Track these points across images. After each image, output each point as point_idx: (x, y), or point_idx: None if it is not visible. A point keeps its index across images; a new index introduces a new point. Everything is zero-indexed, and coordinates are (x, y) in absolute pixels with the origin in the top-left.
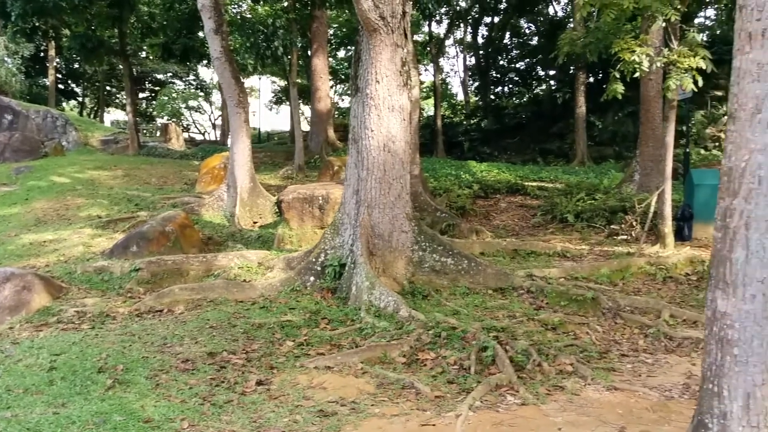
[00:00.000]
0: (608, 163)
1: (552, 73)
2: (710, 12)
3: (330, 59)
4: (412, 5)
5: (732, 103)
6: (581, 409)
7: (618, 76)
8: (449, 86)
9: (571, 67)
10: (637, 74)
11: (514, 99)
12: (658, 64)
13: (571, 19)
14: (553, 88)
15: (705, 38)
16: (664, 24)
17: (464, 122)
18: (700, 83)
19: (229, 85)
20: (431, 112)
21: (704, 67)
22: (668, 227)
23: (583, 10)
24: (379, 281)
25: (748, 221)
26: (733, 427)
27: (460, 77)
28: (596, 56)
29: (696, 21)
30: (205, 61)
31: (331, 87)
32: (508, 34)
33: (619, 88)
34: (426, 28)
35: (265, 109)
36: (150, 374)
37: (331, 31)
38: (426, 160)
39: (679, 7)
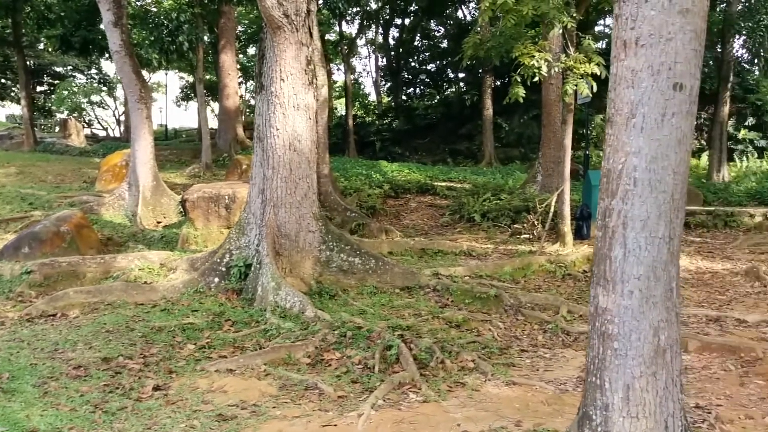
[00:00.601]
0: (514, 165)
1: (462, 75)
2: (609, 20)
3: (240, 56)
4: (320, 4)
5: (609, 108)
6: (480, 405)
7: (519, 80)
8: (362, 86)
9: (480, 71)
10: (536, 78)
11: (425, 100)
12: (557, 69)
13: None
14: (463, 90)
15: (603, 46)
16: (561, 31)
17: (376, 122)
18: (595, 88)
19: (130, 80)
20: (344, 112)
21: (598, 73)
22: (567, 226)
23: (485, 14)
24: (285, 281)
25: (625, 221)
26: (614, 417)
27: (373, 78)
28: (499, 60)
29: (596, 29)
30: (107, 55)
31: (241, 84)
32: (418, 36)
33: (521, 91)
34: (337, 28)
35: (174, 105)
36: (38, 382)
37: (241, 28)
38: (337, 159)
39: (575, 15)
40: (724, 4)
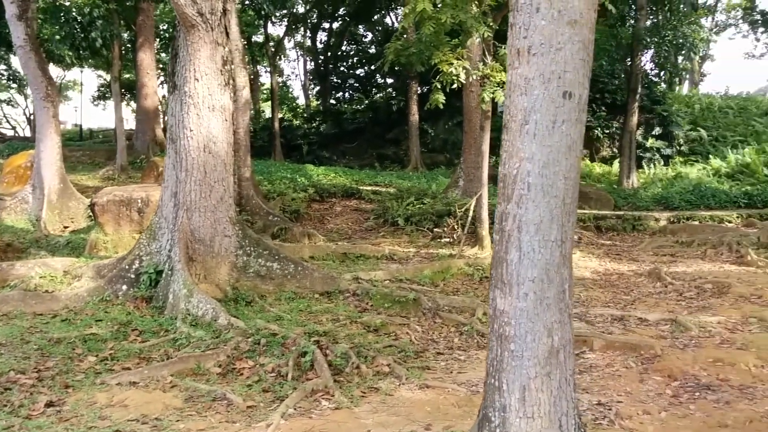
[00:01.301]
0: (439, 169)
1: (390, 81)
2: None
3: (162, 54)
4: (246, 5)
5: (505, 114)
6: (393, 410)
7: (439, 86)
8: (291, 89)
9: (407, 77)
10: (455, 85)
11: (353, 105)
12: (475, 77)
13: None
14: (390, 95)
15: None
16: (479, 40)
17: (304, 126)
18: None
19: (35, 76)
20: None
21: None
22: (485, 230)
23: (406, 21)
24: (197, 288)
25: (520, 224)
26: (511, 418)
27: (301, 81)
28: (420, 66)
29: None
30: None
31: (161, 84)
32: (347, 41)
33: (441, 97)
34: (264, 30)
35: (90, 104)
36: None
37: (163, 26)
38: (262, 163)
39: (492, 24)
40: (634, 20)
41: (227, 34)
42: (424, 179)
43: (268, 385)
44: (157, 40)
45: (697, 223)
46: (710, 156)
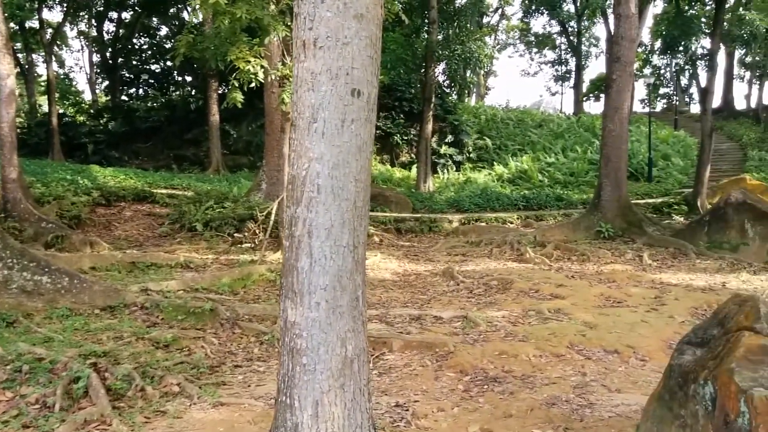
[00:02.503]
0: (242, 172)
1: (189, 78)
2: None
3: None
4: None
5: (293, 111)
6: None
7: (237, 84)
8: (75, 82)
9: (208, 74)
10: (253, 84)
11: (147, 102)
12: (274, 77)
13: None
14: (189, 93)
15: None
16: (276, 39)
17: (89, 123)
18: None
19: None
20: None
21: None
22: None
23: (195, 14)
24: None
25: (311, 229)
26: None
27: (87, 74)
28: (217, 63)
29: None
30: None
31: None
32: (139, 33)
33: (239, 96)
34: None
35: None
36: None
37: None
38: (37, 162)
39: (290, 23)
40: (427, 33)
41: None
42: (225, 182)
43: (29, 419)
44: None
45: (484, 224)
46: (495, 163)
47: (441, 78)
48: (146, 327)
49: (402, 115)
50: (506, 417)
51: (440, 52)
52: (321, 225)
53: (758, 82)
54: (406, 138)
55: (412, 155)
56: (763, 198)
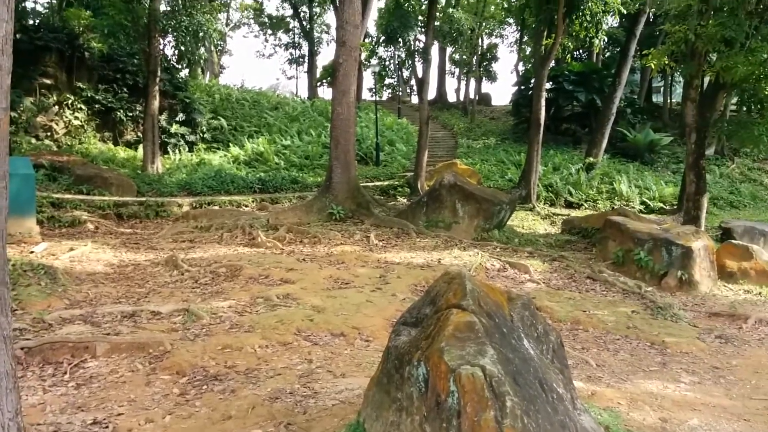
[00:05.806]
0: None
1: None
2: None
3: None
4: None
5: None
6: None
7: None
8: None
9: None
10: None
11: None
12: None
13: None
14: None
15: None
16: None
17: None
18: None
19: None
20: None
21: None
22: None
23: None
24: None
25: None
26: None
27: None
28: None
29: None
30: None
31: None
32: None
33: None
34: None
35: None
36: None
37: None
38: None
39: None
40: (150, 1)
41: None
42: None
43: None
44: None
45: (217, 207)
46: (230, 144)
47: (169, 52)
48: None
49: (126, 89)
50: (225, 420)
51: (165, 22)
52: None
53: (465, 78)
54: (131, 114)
55: (139, 134)
56: (470, 180)
